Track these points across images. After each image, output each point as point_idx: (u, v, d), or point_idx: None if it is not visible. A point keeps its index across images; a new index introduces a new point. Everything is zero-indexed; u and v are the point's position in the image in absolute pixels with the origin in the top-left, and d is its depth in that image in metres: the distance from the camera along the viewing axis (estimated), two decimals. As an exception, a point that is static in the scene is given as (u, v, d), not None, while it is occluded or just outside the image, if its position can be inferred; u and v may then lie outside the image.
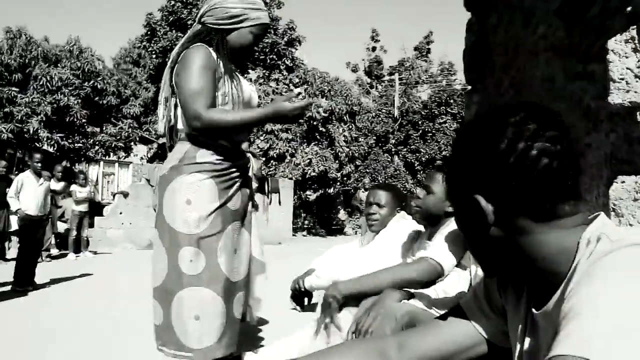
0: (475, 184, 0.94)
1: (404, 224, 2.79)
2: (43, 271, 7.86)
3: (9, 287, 6.50)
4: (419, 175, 26.66)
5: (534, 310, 0.95)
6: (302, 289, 2.77)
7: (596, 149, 1.69)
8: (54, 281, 7.23)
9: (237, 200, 2.36)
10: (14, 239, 9.39)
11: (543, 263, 0.90)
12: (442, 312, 1.40)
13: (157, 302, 2.24)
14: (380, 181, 24.66)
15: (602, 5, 1.68)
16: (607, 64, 1.64)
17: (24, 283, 6.50)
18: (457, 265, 2.29)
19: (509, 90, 2.18)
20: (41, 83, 15.80)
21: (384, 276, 2.15)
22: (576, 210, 0.92)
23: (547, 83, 1.93)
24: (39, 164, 7.09)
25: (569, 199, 0.91)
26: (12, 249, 9.42)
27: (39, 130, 15.10)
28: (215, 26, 2.34)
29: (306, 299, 2.90)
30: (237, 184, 2.35)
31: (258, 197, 16.57)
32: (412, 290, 2.04)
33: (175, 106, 2.35)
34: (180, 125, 2.32)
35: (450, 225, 2.34)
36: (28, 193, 6.93)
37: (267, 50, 20.34)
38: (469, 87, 2.62)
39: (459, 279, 2.23)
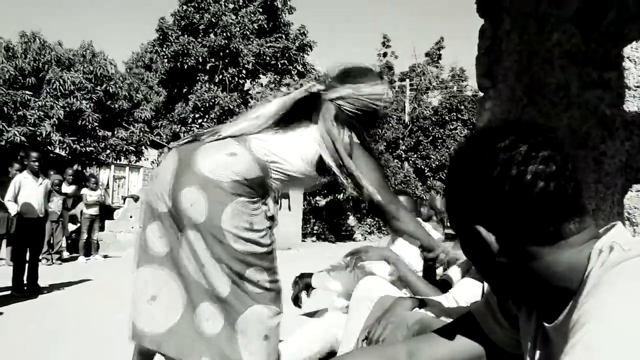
0: (474, 214, 0.91)
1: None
2: (53, 274, 7.91)
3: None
4: (429, 182, 26.58)
5: (545, 324, 0.93)
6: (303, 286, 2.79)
7: (611, 157, 1.67)
8: (64, 284, 7.26)
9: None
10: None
11: (554, 283, 0.88)
12: (451, 318, 1.39)
13: (214, 309, 2.12)
14: (391, 188, 24.60)
15: (618, 12, 1.66)
16: (622, 72, 1.62)
17: (23, 287, 6.49)
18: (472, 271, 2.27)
19: (522, 97, 2.16)
20: (54, 87, 15.94)
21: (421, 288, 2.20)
22: (583, 226, 0.88)
23: (562, 90, 1.91)
24: (36, 164, 6.91)
25: (572, 216, 0.87)
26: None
27: (52, 134, 15.21)
28: (350, 112, 2.34)
29: (304, 293, 2.94)
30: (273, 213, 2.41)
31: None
32: (424, 298, 2.02)
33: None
34: (269, 152, 2.20)
35: None
36: (27, 194, 6.78)
37: (278, 55, 20.39)
38: (481, 94, 2.60)
39: (472, 287, 2.21)
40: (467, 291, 2.19)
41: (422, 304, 1.93)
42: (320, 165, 2.25)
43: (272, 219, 2.27)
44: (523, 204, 0.85)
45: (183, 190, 2.08)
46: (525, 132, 0.89)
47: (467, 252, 1.01)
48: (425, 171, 26.98)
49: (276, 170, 2.20)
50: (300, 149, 2.23)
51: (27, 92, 15.38)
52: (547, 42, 2.04)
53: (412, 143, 27.64)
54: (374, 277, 2.47)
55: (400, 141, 27.60)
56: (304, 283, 3.07)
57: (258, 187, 2.17)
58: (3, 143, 14.32)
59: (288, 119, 2.28)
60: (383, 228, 26.12)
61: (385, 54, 31.36)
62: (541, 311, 0.97)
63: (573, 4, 1.90)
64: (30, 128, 14.88)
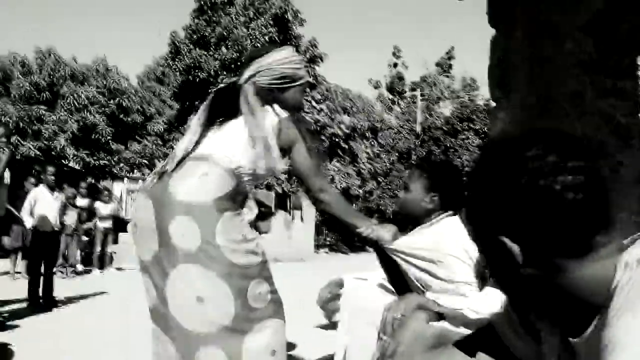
0: (499, 224, 0.88)
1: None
2: (68, 286, 7.96)
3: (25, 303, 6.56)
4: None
5: (570, 338, 0.91)
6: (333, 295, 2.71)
7: (628, 167, 1.66)
8: (79, 297, 7.30)
9: None
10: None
11: (579, 296, 0.85)
12: (471, 331, 1.37)
13: (215, 350, 2.04)
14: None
15: (631, 22, 1.66)
16: (638, 80, 1.62)
17: (39, 300, 6.55)
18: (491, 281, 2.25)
19: (535, 106, 2.16)
20: (68, 101, 16.13)
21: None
22: (609, 238, 0.85)
23: (576, 99, 1.91)
24: (53, 178, 7.06)
25: (601, 229, 0.85)
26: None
27: (66, 148, 15.38)
28: (269, 86, 2.35)
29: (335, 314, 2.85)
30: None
31: (280, 214, 16.62)
32: (442, 311, 2.01)
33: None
34: (234, 160, 2.18)
35: (435, 221, 2.33)
36: (43, 207, 6.89)
37: (289, 67, 20.49)
38: (494, 104, 2.60)
39: (490, 297, 2.19)
40: (486, 302, 2.18)
41: (440, 316, 1.92)
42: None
43: (254, 224, 2.31)
44: (551, 215, 0.83)
45: (170, 225, 2.03)
46: (553, 141, 0.87)
47: (488, 263, 0.99)
48: (438, 181, 26.92)
49: (244, 174, 2.19)
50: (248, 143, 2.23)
51: (42, 106, 15.58)
52: (560, 51, 2.04)
53: (424, 153, 27.60)
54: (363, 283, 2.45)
55: (412, 151, 27.57)
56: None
57: (237, 197, 2.17)
58: (19, 157, 14.48)
59: (220, 121, 2.32)
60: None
61: (396, 65, 31.43)
62: (565, 325, 0.94)
63: (585, 13, 1.91)
64: (45, 142, 15.05)
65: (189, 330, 2.03)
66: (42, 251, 6.77)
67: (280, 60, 2.41)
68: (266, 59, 2.40)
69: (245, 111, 2.29)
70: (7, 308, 6.13)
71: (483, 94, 28.39)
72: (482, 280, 2.28)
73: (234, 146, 2.22)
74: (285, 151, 2.26)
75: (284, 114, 2.27)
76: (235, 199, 2.15)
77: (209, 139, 2.27)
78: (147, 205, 2.13)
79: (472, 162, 1.04)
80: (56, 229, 7.05)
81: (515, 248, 0.87)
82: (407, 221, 2.46)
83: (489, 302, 2.25)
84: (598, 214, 0.84)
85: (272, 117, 2.24)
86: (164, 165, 2.26)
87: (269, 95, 2.33)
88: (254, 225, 2.36)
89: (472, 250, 2.30)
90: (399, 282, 2.50)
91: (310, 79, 2.82)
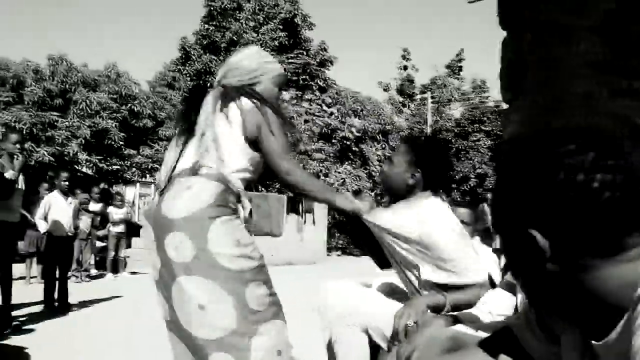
0: (530, 217, 0.86)
1: (481, 251, 2.76)
2: (82, 291, 8.02)
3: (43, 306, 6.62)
4: (453, 194, 26.41)
5: (593, 341, 0.89)
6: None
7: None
8: (93, 301, 7.36)
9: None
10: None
11: (604, 297, 0.83)
12: (487, 333, 1.37)
13: (224, 355, 2.07)
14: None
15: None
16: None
17: (54, 304, 6.61)
18: (505, 283, 2.25)
19: (548, 108, 2.16)
20: (81, 107, 16.26)
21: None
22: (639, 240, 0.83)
23: (588, 100, 1.91)
24: (66, 183, 7.15)
25: (633, 230, 0.82)
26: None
27: (79, 153, 15.50)
28: (238, 84, 2.37)
29: None
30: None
31: (292, 217, 16.63)
32: (457, 314, 2.01)
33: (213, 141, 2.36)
34: (213, 165, 2.23)
35: (416, 201, 2.28)
36: (56, 213, 6.97)
37: (299, 71, 20.54)
38: (505, 106, 2.60)
39: (505, 300, 2.19)
40: (500, 304, 2.17)
41: (455, 319, 1.92)
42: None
43: (249, 220, 2.30)
44: (586, 212, 0.81)
45: (165, 242, 2.09)
46: (592, 138, 0.85)
47: (512, 257, 0.97)
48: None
49: (230, 175, 2.22)
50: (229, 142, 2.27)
51: (54, 113, 15.72)
52: (572, 52, 2.04)
53: (435, 155, 27.52)
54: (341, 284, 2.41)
55: (423, 154, 27.50)
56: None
57: (229, 200, 2.18)
58: (32, 163, 14.61)
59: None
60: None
61: (405, 67, 31.39)
62: (586, 326, 0.92)
63: (597, 14, 1.91)
64: (58, 148, 15.18)
65: (198, 337, 2.07)
66: (56, 256, 6.84)
67: (246, 56, 2.47)
68: (233, 59, 2.48)
69: (206, 110, 2.34)
70: (22, 312, 6.19)
71: (493, 95, 28.31)
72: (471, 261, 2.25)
73: (216, 150, 2.25)
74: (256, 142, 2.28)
75: (248, 105, 2.27)
76: (227, 202, 2.17)
77: (192, 149, 2.30)
78: (148, 228, 2.23)
79: (503, 154, 1.01)
80: (70, 234, 7.10)
81: (544, 242, 0.85)
82: (388, 196, 2.44)
83: (502, 304, 2.25)
84: (632, 214, 0.82)
85: (234, 111, 2.27)
86: (158, 185, 2.34)
87: (239, 93, 2.34)
88: (252, 223, 2.35)
89: (459, 230, 2.29)
90: (379, 256, 2.47)
91: (283, 70, 2.83)
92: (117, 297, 7.86)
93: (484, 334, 1.63)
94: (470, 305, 2.18)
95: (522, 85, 2.52)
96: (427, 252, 2.20)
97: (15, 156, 5.17)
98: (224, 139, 2.28)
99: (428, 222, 2.20)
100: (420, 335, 1.72)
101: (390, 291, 2.50)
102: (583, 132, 0.87)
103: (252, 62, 2.43)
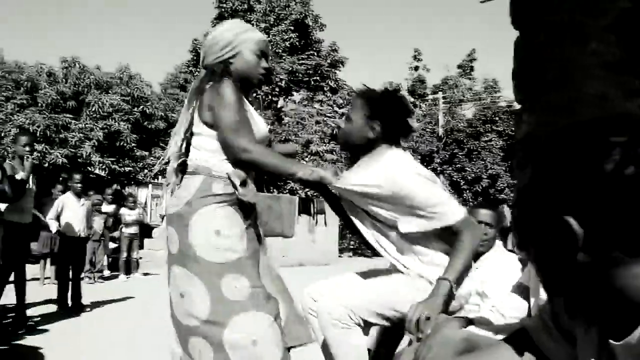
0: (568, 205, 0.84)
1: (506, 258, 2.76)
2: (95, 292, 8.07)
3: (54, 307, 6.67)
4: (465, 194, 26.30)
5: (611, 341, 0.87)
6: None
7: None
8: (106, 302, 7.41)
9: (256, 224, 2.38)
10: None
11: (631, 295, 0.81)
12: (500, 335, 1.36)
13: (201, 340, 2.17)
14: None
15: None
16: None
17: (67, 305, 6.66)
18: (517, 287, 2.24)
19: (562, 108, 2.14)
20: (93, 109, 16.36)
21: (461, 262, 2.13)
22: None
23: (603, 101, 1.89)
24: (79, 185, 7.18)
25: None
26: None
27: (92, 155, 15.60)
28: (216, 61, 2.35)
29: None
30: (254, 210, 2.36)
31: (304, 218, 16.64)
32: (471, 317, 2.00)
33: (185, 140, 2.40)
34: (193, 159, 2.31)
35: (378, 155, 2.25)
36: (69, 214, 7.02)
37: (310, 72, 20.55)
38: (519, 107, 2.58)
39: (515, 302, 2.18)
40: (513, 307, 2.17)
41: (469, 322, 1.91)
42: None
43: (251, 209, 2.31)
44: (630, 206, 0.78)
45: (167, 235, 2.31)
46: None
47: (539, 243, 0.93)
48: (461, 184, 26.70)
49: (209, 161, 2.27)
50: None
51: (68, 115, 15.82)
52: (587, 52, 2.02)
53: (447, 156, 27.42)
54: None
55: (435, 154, 27.42)
56: None
57: (214, 188, 2.22)
58: (46, 165, 14.73)
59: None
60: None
61: (417, 68, 31.30)
62: (607, 325, 0.91)
63: (612, 13, 1.89)
64: (72, 150, 15.29)
65: (180, 322, 2.22)
66: (69, 257, 6.89)
67: (220, 32, 2.41)
68: (209, 37, 2.43)
69: (185, 104, 2.42)
70: (36, 312, 6.24)
71: (505, 95, 28.17)
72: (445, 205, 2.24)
73: (190, 142, 2.36)
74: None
75: (206, 87, 2.30)
76: (211, 191, 2.22)
77: (192, 145, 2.38)
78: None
79: (544, 139, 0.98)
80: (83, 235, 7.14)
81: (579, 231, 0.82)
82: (350, 154, 2.42)
83: (515, 307, 2.24)
84: None
85: (207, 95, 2.29)
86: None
87: (221, 73, 2.33)
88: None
89: (428, 175, 2.26)
90: (351, 224, 2.45)
91: (264, 37, 2.75)
92: (130, 298, 7.90)
93: (497, 336, 1.62)
94: (470, 266, 2.19)
95: (536, 86, 2.51)
96: (402, 204, 2.17)
97: (26, 157, 5.22)
98: (195, 129, 2.34)
99: (395, 173, 2.17)
100: (434, 337, 1.72)
101: (371, 273, 2.48)
102: (634, 124, 0.84)
103: (227, 35, 2.36)
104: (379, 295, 2.19)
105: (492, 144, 26.43)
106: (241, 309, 2.14)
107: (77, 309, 6.63)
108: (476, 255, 2.81)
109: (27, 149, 5.30)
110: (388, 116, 2.28)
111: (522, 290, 2.25)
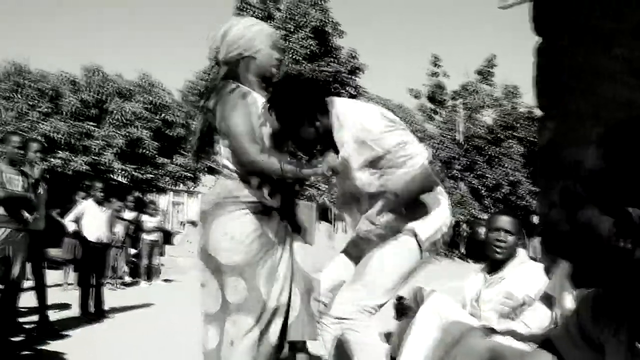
0: (631, 197, 0.84)
1: (531, 267, 2.74)
2: (117, 298, 8.14)
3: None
4: (485, 201, 26.08)
5: (638, 344, 0.87)
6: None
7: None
8: (127, 308, 7.46)
9: (277, 229, 2.41)
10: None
11: None
12: (525, 345, 1.35)
13: (213, 326, 2.37)
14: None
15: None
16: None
17: (89, 310, 6.72)
18: (541, 296, 2.22)
19: (585, 115, 2.12)
20: (115, 117, 16.57)
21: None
22: None
23: (630, 107, 1.87)
24: (101, 193, 7.29)
25: None
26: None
27: (113, 162, 15.78)
28: (239, 57, 2.40)
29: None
30: (277, 216, 2.42)
31: (323, 225, 16.62)
32: (495, 327, 1.98)
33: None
34: (225, 161, 2.40)
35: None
36: (90, 221, 7.10)
37: (330, 79, 20.58)
38: (542, 113, 2.56)
39: (539, 312, 2.16)
40: (536, 317, 2.14)
41: (493, 331, 1.90)
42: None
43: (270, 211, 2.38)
44: None
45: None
46: None
47: (592, 244, 0.92)
48: (481, 191, 26.49)
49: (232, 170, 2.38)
50: None
51: (90, 123, 16.05)
52: (610, 57, 2.00)
53: (467, 163, 27.24)
54: (441, 296, 2.44)
55: (455, 161, 27.25)
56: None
57: (241, 194, 2.32)
58: (69, 172, 14.93)
59: None
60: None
61: (436, 74, 31.14)
62: (635, 328, 0.91)
63: (634, 17, 1.87)
64: (94, 157, 15.49)
65: (204, 310, 2.41)
66: (92, 263, 6.96)
67: (239, 29, 2.43)
68: (228, 33, 2.43)
69: None
70: (59, 318, 6.30)
71: (526, 101, 27.92)
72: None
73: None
74: None
75: (222, 89, 2.38)
76: (237, 196, 2.32)
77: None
78: None
79: (612, 130, 0.97)
80: (105, 241, 7.22)
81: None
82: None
83: (539, 317, 2.22)
84: None
85: (218, 103, 2.39)
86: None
87: (239, 70, 2.41)
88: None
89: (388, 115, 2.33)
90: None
91: (278, 35, 2.72)
92: (151, 304, 7.95)
93: (522, 346, 1.60)
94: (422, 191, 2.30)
95: (558, 92, 2.48)
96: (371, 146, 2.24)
97: (35, 164, 5.30)
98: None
99: (346, 121, 2.26)
100: (460, 346, 1.71)
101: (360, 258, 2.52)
102: None
103: (248, 32, 2.40)
104: (380, 275, 2.29)
105: (512, 150, 26.21)
106: (234, 309, 2.29)
107: (99, 314, 6.69)
108: (496, 263, 2.81)
109: (38, 155, 5.38)
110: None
111: (547, 300, 2.22)
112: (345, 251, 2.67)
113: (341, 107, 2.31)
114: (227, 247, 2.28)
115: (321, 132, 2.30)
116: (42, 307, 5.60)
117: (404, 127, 2.32)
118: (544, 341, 1.18)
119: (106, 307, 6.98)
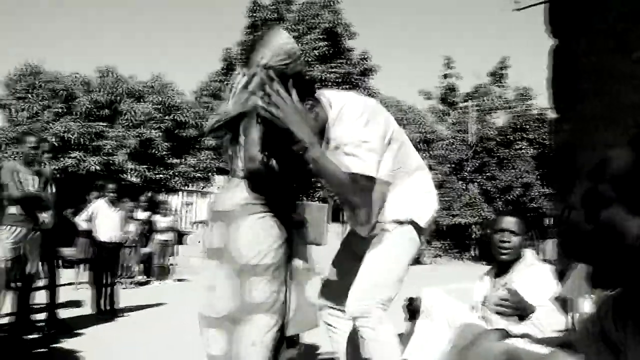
0: None
1: (539, 269, 2.71)
2: (129, 297, 8.20)
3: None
4: (495, 203, 25.97)
5: None
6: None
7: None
8: (139, 307, 7.52)
9: (292, 234, 2.52)
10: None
11: None
12: (541, 348, 1.35)
13: (218, 331, 2.37)
14: (457, 210, 24.13)
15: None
16: None
17: (101, 309, 6.78)
18: (556, 298, 2.21)
19: (602, 116, 2.12)
20: (127, 118, 16.67)
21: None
22: None
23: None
24: (113, 194, 7.34)
25: None
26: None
27: (125, 162, 15.88)
28: (284, 68, 2.39)
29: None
30: (290, 221, 2.51)
31: (334, 226, 16.61)
32: (510, 330, 1.98)
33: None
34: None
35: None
36: (102, 221, 7.17)
37: (340, 80, 20.59)
38: (557, 116, 2.56)
39: (553, 314, 2.16)
40: (551, 321, 2.14)
41: (508, 334, 1.89)
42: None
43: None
44: None
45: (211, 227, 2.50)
46: None
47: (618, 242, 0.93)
48: (492, 192, 26.38)
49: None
50: None
51: (102, 123, 16.15)
52: (626, 60, 2.01)
53: (478, 164, 27.14)
54: (444, 295, 2.46)
55: (465, 163, 27.16)
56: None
57: (261, 200, 2.37)
58: (82, 172, 15.03)
59: None
60: (449, 251, 25.66)
61: (447, 76, 31.05)
62: None
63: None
64: (106, 157, 15.58)
65: (207, 313, 2.41)
66: (104, 263, 7.02)
67: (289, 41, 2.43)
68: (278, 42, 2.41)
69: None
70: (72, 317, 6.36)
71: (538, 103, 27.77)
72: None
73: None
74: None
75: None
76: (260, 199, 2.36)
77: None
78: None
79: None
80: (117, 241, 7.27)
81: None
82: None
83: (553, 320, 2.21)
84: None
85: None
86: None
87: (280, 76, 2.35)
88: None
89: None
90: None
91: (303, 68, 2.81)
92: (162, 303, 8.00)
93: (538, 348, 1.60)
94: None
95: (574, 94, 2.48)
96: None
97: (43, 164, 5.39)
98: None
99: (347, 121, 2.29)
100: (475, 348, 1.71)
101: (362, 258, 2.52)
102: None
103: (293, 47, 2.42)
104: (387, 270, 2.32)
105: (523, 152, 26.07)
106: (255, 309, 2.30)
107: (112, 313, 6.74)
108: (503, 265, 2.80)
109: (46, 155, 5.47)
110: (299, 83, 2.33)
111: (563, 303, 2.22)
112: (344, 248, 2.72)
113: (339, 102, 2.35)
114: (258, 249, 2.31)
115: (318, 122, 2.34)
116: (52, 306, 5.66)
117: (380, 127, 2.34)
118: (563, 344, 1.18)
119: (119, 306, 7.03)
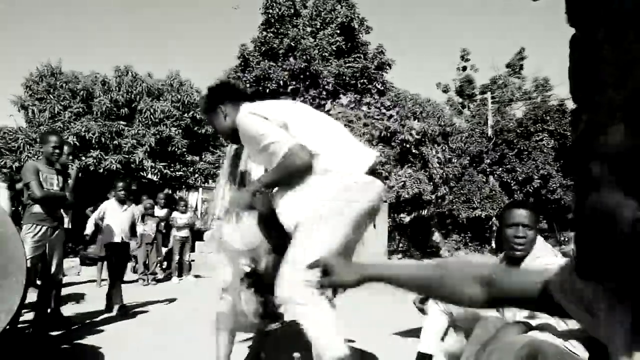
0: None
1: (549, 261, 2.57)
2: (149, 293, 8.28)
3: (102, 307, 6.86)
4: (515, 195, 25.74)
5: None
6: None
7: None
8: (159, 301, 7.59)
9: None
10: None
11: None
12: (565, 341, 1.33)
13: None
14: (476, 203, 23.98)
15: None
16: None
17: (112, 307, 6.83)
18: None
19: (621, 108, 2.08)
20: (145, 116, 16.81)
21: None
22: None
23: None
24: (122, 192, 7.36)
25: None
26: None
27: (144, 160, 16.01)
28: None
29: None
30: None
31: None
32: (532, 323, 1.96)
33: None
34: None
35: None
36: (111, 220, 7.20)
37: (357, 75, 20.53)
38: (573, 105, 2.51)
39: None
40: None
41: (530, 327, 1.88)
42: None
43: None
44: None
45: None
46: None
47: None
48: (512, 185, 26.15)
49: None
50: None
51: (121, 122, 16.31)
52: (647, 47, 1.96)
53: (497, 156, 26.92)
54: None
55: (484, 155, 26.96)
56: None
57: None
58: (101, 171, 15.19)
59: None
60: (469, 244, 25.52)
61: (464, 68, 30.86)
62: None
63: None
64: (125, 156, 15.74)
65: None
66: (114, 261, 7.06)
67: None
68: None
69: None
70: (94, 313, 6.44)
71: (557, 93, 27.46)
72: None
73: None
74: None
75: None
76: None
77: None
78: None
79: None
80: (125, 239, 7.27)
81: None
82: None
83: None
84: None
85: None
86: None
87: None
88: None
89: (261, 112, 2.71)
90: None
91: None
92: (182, 299, 8.06)
93: (561, 341, 1.58)
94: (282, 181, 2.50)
95: (594, 84, 2.44)
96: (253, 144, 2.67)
97: (70, 166, 5.48)
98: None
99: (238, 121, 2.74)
100: (497, 341, 1.69)
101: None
102: None
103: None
104: (312, 246, 2.36)
105: (543, 143, 25.80)
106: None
107: (122, 310, 6.72)
108: (515, 260, 2.69)
109: (70, 157, 5.54)
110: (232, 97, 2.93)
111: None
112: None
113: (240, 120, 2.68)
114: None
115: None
116: (57, 300, 5.78)
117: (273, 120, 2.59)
118: (588, 338, 1.16)
119: (139, 302, 7.11)
